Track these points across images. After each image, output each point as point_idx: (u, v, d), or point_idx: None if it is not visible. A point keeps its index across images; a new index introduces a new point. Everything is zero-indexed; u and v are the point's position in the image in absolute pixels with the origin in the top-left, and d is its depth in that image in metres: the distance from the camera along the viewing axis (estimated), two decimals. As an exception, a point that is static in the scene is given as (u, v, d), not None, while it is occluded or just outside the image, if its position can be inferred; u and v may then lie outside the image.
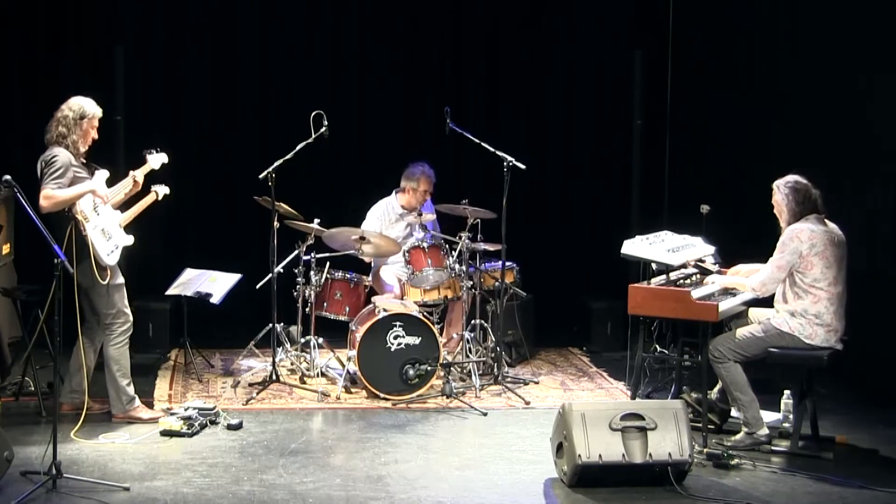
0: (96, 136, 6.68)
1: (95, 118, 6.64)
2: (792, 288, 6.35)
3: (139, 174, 6.86)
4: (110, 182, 6.72)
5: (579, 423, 5.65)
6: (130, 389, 6.74)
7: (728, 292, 6.59)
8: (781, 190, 6.42)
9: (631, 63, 9.26)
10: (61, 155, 6.47)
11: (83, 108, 6.60)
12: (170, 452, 6.21)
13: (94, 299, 6.57)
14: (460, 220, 7.85)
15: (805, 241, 6.28)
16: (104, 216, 6.62)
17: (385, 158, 9.32)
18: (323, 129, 7.48)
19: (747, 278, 6.52)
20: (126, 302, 6.73)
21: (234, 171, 9.21)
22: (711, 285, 6.62)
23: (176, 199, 7.27)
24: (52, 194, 6.36)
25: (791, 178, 6.43)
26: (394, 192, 8.30)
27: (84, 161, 6.65)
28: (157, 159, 7.00)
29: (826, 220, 6.40)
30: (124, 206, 6.90)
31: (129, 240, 6.80)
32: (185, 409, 6.68)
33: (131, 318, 6.76)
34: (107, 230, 6.60)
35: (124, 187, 6.81)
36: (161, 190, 7.11)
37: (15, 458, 5.60)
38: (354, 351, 7.35)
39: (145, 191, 7.00)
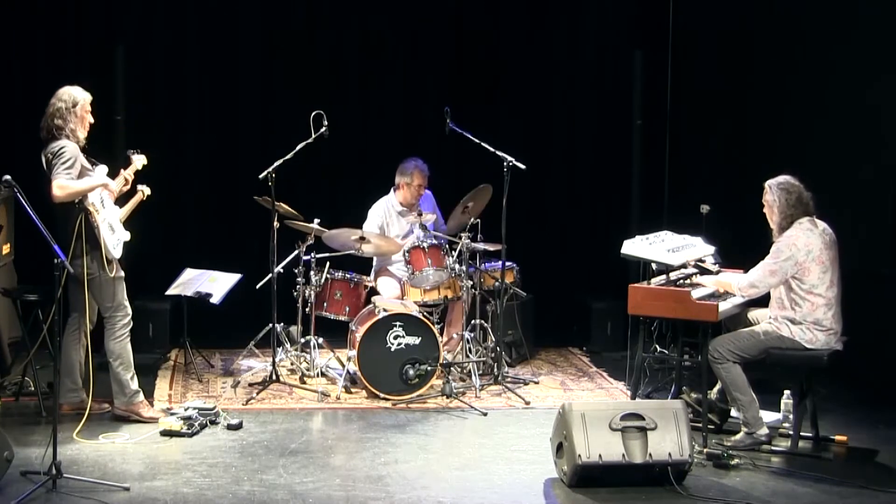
0: (93, 120, 6.70)
1: (87, 102, 6.66)
2: (788, 294, 6.34)
3: (129, 173, 6.90)
4: (109, 177, 6.75)
5: (579, 423, 5.64)
6: (134, 383, 6.74)
7: (728, 292, 6.58)
8: (773, 190, 6.41)
9: (631, 63, 9.26)
10: (69, 146, 6.48)
11: (73, 95, 6.61)
12: (170, 452, 6.21)
13: (96, 292, 6.58)
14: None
15: (801, 247, 6.27)
16: (109, 210, 6.66)
17: (385, 158, 9.29)
18: (323, 129, 7.49)
19: (734, 278, 6.49)
20: (125, 295, 6.74)
21: (234, 171, 9.21)
22: (707, 287, 6.61)
23: (176, 198, 7.27)
24: (66, 184, 6.37)
25: (783, 178, 6.42)
26: (391, 189, 8.31)
27: (86, 153, 6.66)
28: (140, 160, 7.04)
29: (817, 221, 6.40)
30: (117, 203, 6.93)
31: (127, 235, 6.84)
32: (185, 409, 6.68)
33: (131, 312, 6.76)
34: (112, 224, 6.65)
35: (119, 186, 6.83)
36: (146, 190, 7.15)
37: (15, 458, 5.61)
38: (354, 351, 7.35)
39: (132, 190, 7.04)
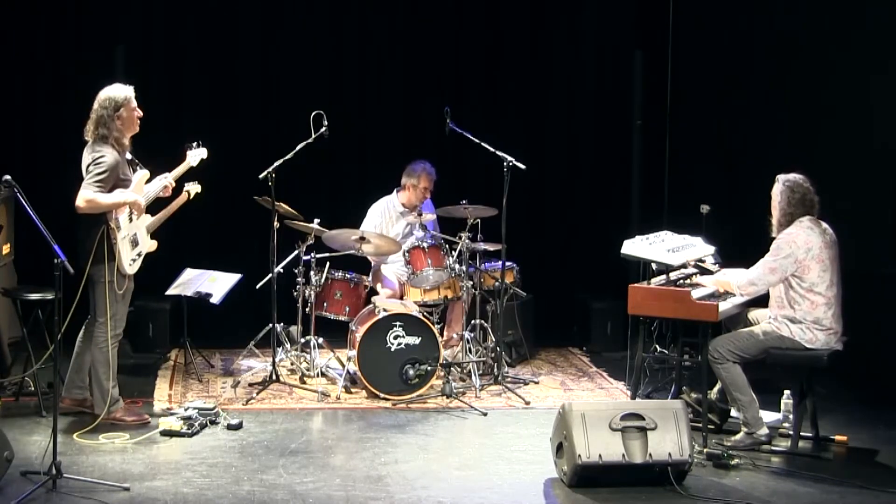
0: (141, 114, 6.57)
1: (130, 101, 6.49)
2: (788, 293, 6.34)
3: (172, 177, 6.77)
4: (149, 181, 6.67)
5: (579, 423, 5.64)
6: (115, 392, 6.69)
7: (728, 291, 6.58)
8: (779, 185, 6.42)
9: (631, 63, 9.26)
10: (109, 156, 6.37)
11: (114, 99, 6.44)
12: (170, 452, 6.21)
13: (98, 297, 6.53)
14: (460, 219, 7.86)
15: (801, 245, 6.27)
16: (136, 223, 6.59)
17: (385, 158, 9.32)
18: (323, 129, 7.48)
19: (734, 277, 6.49)
20: (126, 310, 6.71)
21: (234, 171, 9.20)
22: (707, 287, 6.61)
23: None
24: (93, 197, 6.28)
25: (794, 176, 6.41)
26: (395, 190, 8.31)
27: (129, 157, 6.58)
28: (196, 155, 6.91)
29: (819, 221, 6.40)
30: (154, 205, 6.83)
31: (153, 245, 6.79)
32: (185, 409, 6.68)
33: (124, 325, 6.72)
34: (135, 239, 6.58)
35: (153, 194, 6.71)
36: (193, 188, 7.06)
37: (15, 458, 5.60)
38: (354, 351, 7.35)
39: (177, 190, 6.97)
